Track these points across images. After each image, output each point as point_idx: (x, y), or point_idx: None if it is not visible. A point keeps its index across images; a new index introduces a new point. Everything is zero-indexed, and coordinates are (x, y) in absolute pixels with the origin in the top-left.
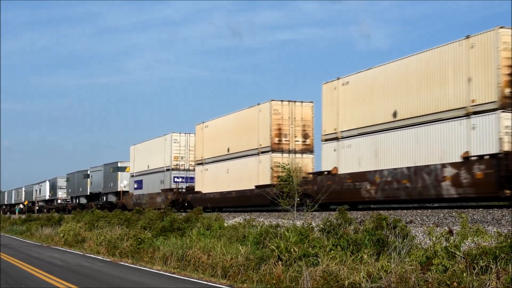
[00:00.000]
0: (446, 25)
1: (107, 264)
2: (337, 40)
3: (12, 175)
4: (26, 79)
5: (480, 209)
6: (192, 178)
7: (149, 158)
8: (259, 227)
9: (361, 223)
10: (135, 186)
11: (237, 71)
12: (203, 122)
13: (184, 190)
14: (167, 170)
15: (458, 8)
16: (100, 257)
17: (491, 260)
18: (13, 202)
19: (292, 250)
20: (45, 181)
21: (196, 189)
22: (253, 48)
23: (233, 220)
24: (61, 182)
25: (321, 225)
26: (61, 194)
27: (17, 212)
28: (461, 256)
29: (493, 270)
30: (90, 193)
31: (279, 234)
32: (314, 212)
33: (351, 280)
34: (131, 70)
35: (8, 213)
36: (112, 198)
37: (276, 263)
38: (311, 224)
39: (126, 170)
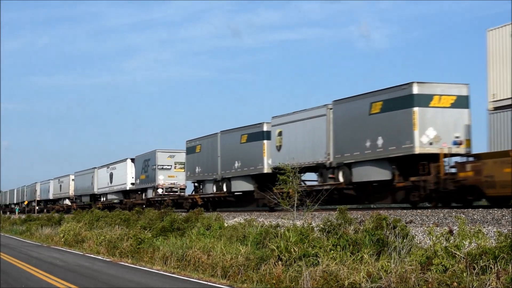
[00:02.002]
0: (446, 25)
1: (107, 264)
2: (337, 40)
3: (12, 175)
4: (26, 79)
5: (480, 209)
6: None
7: None
8: (259, 227)
9: (361, 223)
10: None
11: (237, 71)
12: None
13: None
14: None
15: (458, 8)
16: (100, 257)
17: (491, 260)
18: (51, 197)
19: (292, 250)
20: (123, 161)
21: None
22: (253, 48)
23: (233, 220)
24: (164, 159)
25: (321, 225)
26: (164, 179)
27: (17, 212)
28: (461, 256)
29: (493, 270)
30: (275, 169)
31: (279, 234)
32: (314, 212)
33: (351, 280)
34: (131, 70)
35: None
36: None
37: (276, 263)
38: (311, 224)
39: None
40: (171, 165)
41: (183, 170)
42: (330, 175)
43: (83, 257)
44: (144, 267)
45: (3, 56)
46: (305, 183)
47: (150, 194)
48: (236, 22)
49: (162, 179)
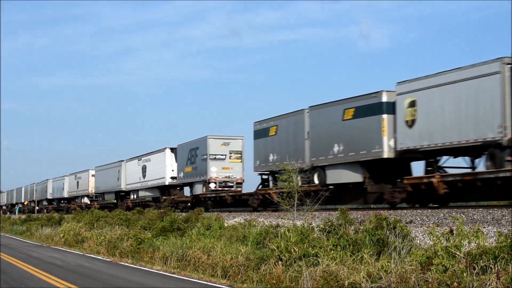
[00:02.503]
0: (446, 25)
1: (107, 264)
2: (337, 40)
3: (12, 175)
4: (26, 79)
5: (480, 209)
6: None
7: None
8: (259, 227)
9: (361, 223)
10: None
11: (237, 71)
12: None
13: None
14: None
15: (458, 8)
16: (100, 257)
17: (491, 260)
18: (65, 195)
19: (292, 250)
20: (160, 151)
21: None
22: (253, 48)
23: (233, 220)
24: (217, 147)
25: (321, 225)
26: (217, 171)
27: (16, 212)
28: (461, 256)
29: (493, 270)
30: (404, 152)
31: (279, 234)
32: (314, 212)
33: (351, 280)
34: (131, 70)
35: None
36: None
37: (276, 263)
38: (311, 224)
39: None
40: (225, 155)
41: (239, 160)
42: (509, 158)
43: (83, 257)
44: (144, 267)
45: (3, 56)
46: (444, 171)
47: (199, 189)
48: (236, 22)
49: (215, 171)
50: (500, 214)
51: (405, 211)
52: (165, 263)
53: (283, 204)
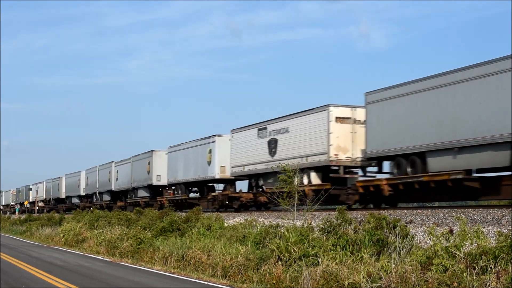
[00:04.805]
0: (446, 25)
1: (107, 264)
2: (337, 40)
3: (12, 175)
4: (26, 79)
5: (480, 209)
6: None
7: None
8: (259, 227)
9: (361, 223)
10: None
11: (237, 71)
12: None
13: None
14: None
15: (458, 8)
16: (100, 257)
17: (491, 260)
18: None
19: (292, 250)
20: None
21: None
22: (253, 48)
23: (233, 220)
24: None
25: (321, 225)
26: None
27: (17, 212)
28: (461, 256)
29: (493, 270)
30: None
31: (279, 234)
32: (314, 212)
33: (351, 280)
34: (131, 70)
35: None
36: None
37: (276, 263)
38: (311, 224)
39: None
40: None
41: None
42: None
43: (83, 257)
44: (144, 267)
45: (3, 56)
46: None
47: None
48: (236, 22)
49: None
50: (500, 214)
51: (405, 211)
52: (165, 263)
53: (283, 204)
